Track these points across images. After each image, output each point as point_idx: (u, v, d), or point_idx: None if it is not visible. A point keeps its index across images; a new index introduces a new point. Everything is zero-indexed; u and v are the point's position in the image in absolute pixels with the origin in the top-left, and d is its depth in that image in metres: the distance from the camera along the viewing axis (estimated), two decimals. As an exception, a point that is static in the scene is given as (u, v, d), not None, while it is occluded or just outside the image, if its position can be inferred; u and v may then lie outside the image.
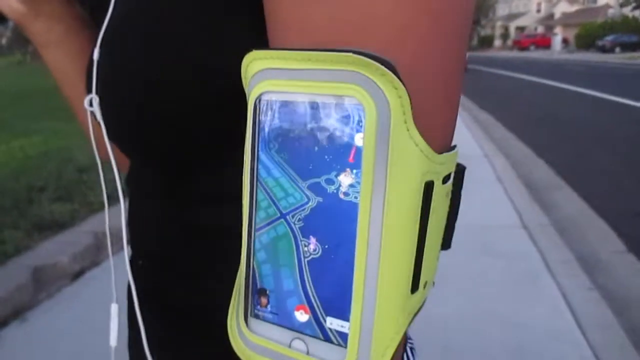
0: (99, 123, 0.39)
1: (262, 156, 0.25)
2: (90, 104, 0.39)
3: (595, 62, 26.48)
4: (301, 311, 0.25)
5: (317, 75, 0.23)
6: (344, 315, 0.24)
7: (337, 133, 0.23)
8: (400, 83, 0.22)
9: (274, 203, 0.25)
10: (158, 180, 0.40)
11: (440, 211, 0.26)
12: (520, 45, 54.43)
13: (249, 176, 0.26)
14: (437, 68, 0.26)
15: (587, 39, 44.21)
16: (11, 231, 2.73)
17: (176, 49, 0.32)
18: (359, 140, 0.22)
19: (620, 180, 4.79)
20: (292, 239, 0.25)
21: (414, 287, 0.25)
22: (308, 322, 0.25)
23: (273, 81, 0.24)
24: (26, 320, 2.23)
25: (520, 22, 69.16)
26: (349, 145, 0.23)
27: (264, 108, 0.25)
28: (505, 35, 68.46)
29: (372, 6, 0.24)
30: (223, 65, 0.30)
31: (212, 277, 0.38)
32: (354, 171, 0.23)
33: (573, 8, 63.76)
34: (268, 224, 0.26)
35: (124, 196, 0.42)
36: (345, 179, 0.23)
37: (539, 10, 68.91)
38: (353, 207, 0.23)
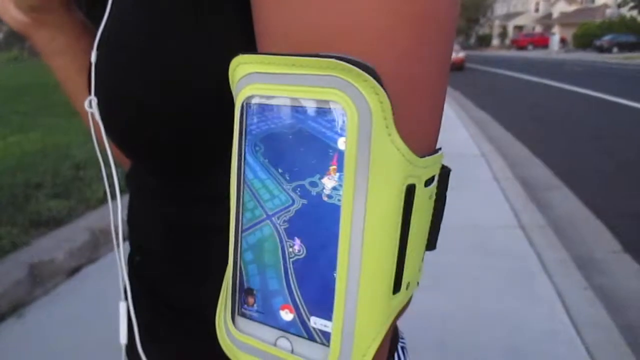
0: (99, 124, 0.39)
1: (249, 158, 0.26)
2: (90, 105, 0.39)
3: (592, 61, 26.52)
4: (286, 310, 0.26)
5: (300, 80, 0.23)
6: (327, 315, 0.24)
7: (321, 137, 0.23)
8: (382, 88, 0.22)
9: (260, 204, 0.26)
10: (156, 180, 0.41)
11: (423, 213, 0.26)
12: (518, 45, 54.46)
13: (237, 178, 0.27)
14: (420, 74, 0.26)
15: (585, 38, 44.27)
16: (8, 227, 2.72)
17: (172, 52, 0.32)
18: (341, 144, 0.23)
19: (617, 181, 4.80)
20: (278, 240, 0.26)
21: (396, 288, 0.25)
22: (293, 321, 0.26)
23: (258, 85, 0.25)
24: (23, 316, 2.23)
25: (518, 21, 69.20)
26: (332, 149, 0.23)
27: (251, 111, 0.26)
28: (503, 35, 68.50)
29: (355, 12, 0.24)
30: (218, 67, 0.31)
31: (208, 275, 0.39)
32: (337, 174, 0.23)
33: (571, 8, 63.81)
34: (254, 225, 0.26)
35: (122, 194, 0.42)
36: (329, 182, 0.24)
37: (537, 10, 68.96)
38: (336, 210, 0.23)
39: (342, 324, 0.24)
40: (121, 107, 0.36)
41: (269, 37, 0.27)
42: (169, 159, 0.36)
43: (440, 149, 0.28)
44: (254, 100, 0.25)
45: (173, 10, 0.32)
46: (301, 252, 0.25)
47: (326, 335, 0.24)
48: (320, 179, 0.24)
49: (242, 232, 0.27)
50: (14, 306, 2.25)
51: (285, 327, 0.26)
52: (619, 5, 46.93)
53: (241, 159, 0.26)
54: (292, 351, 0.26)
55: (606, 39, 38.46)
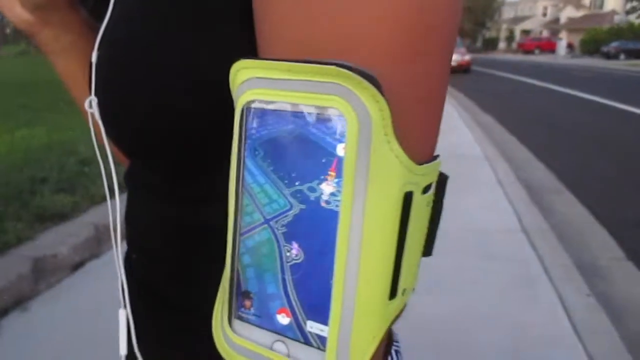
0: (99, 124, 0.39)
1: (248, 162, 0.26)
2: (90, 105, 0.39)
3: (599, 68, 26.42)
4: (283, 314, 0.26)
5: (300, 86, 0.24)
6: (323, 319, 0.24)
7: (320, 143, 0.24)
8: (382, 96, 0.22)
9: (259, 208, 0.26)
10: (156, 179, 0.41)
11: (420, 220, 0.27)
12: (524, 49, 54.34)
13: (235, 181, 0.27)
14: (420, 82, 0.26)
15: (592, 44, 44.10)
16: (13, 221, 2.74)
17: (174, 54, 0.32)
18: (340, 150, 0.23)
19: (621, 188, 4.79)
20: (276, 244, 0.26)
21: (392, 294, 0.25)
22: (289, 325, 0.26)
23: (259, 90, 0.25)
24: (27, 310, 2.24)
25: (525, 25, 68.99)
26: (331, 155, 0.23)
27: (251, 116, 0.26)
28: (510, 38, 68.31)
29: (356, 21, 0.24)
30: (220, 70, 0.31)
31: (205, 275, 0.39)
32: (336, 180, 0.23)
33: (579, 13, 63.59)
34: (252, 229, 0.27)
35: (122, 193, 0.42)
36: (327, 188, 0.24)
37: (545, 14, 68.74)
38: (334, 215, 0.24)
39: (339, 328, 0.24)
40: (124, 108, 0.36)
41: (269, 42, 0.27)
42: (170, 159, 0.36)
43: (437, 156, 0.28)
44: (255, 105, 0.25)
45: (176, 12, 0.32)
46: (299, 257, 0.25)
47: (322, 340, 0.25)
48: (319, 184, 0.24)
49: (240, 236, 0.27)
50: (18, 300, 2.26)
51: (281, 331, 0.26)
52: (627, 12, 46.76)
53: (240, 163, 0.27)
54: (288, 355, 0.26)
55: (613, 45, 38.32)
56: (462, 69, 20.74)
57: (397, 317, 0.28)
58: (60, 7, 0.48)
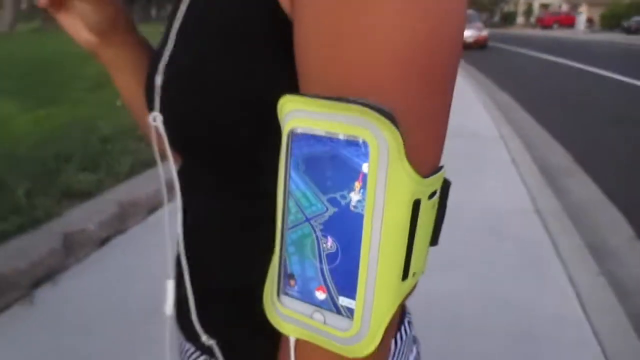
0: (158, 133, 0.47)
1: (293, 174, 0.33)
2: (155, 120, 0.47)
3: (620, 43, 25.87)
4: (320, 291, 0.33)
5: (334, 117, 0.30)
6: (351, 295, 0.32)
7: (349, 162, 0.31)
8: (396, 128, 0.29)
9: (301, 210, 0.33)
10: (208, 179, 0.48)
11: (427, 219, 0.33)
12: (543, 24, 53.23)
13: (283, 188, 0.34)
14: (426, 114, 0.33)
15: (613, 19, 43.09)
16: (41, 198, 2.85)
17: (226, 83, 0.40)
18: (365, 168, 0.30)
19: (635, 167, 4.79)
20: (315, 238, 0.33)
21: (404, 276, 0.33)
22: (325, 299, 0.33)
23: (301, 120, 0.32)
24: (57, 283, 2.37)
25: (544, -1, 67.48)
26: (358, 171, 0.31)
27: (296, 138, 0.33)
28: (528, 13, 66.95)
29: (375, 63, 0.31)
30: (262, 98, 0.39)
31: (249, 258, 0.46)
32: (361, 190, 0.31)
33: (600, -14, 62.00)
34: (296, 225, 0.34)
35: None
36: (355, 196, 0.31)
37: (564, -12, 67.11)
38: (360, 217, 0.31)
39: (363, 302, 0.32)
40: (185, 124, 0.44)
41: (308, 78, 0.34)
42: (222, 163, 0.44)
43: (442, 167, 0.35)
44: (298, 130, 0.32)
45: (228, 47, 0.39)
46: (333, 248, 0.32)
47: (350, 311, 0.32)
48: (348, 193, 0.31)
49: (286, 230, 0.34)
50: (49, 273, 2.38)
51: (319, 304, 0.34)
52: (650, -15, 45.46)
53: (287, 174, 0.34)
54: (324, 322, 0.33)
55: (635, 20, 37.39)
56: (479, 45, 20.46)
57: (410, 293, 0.36)
58: (120, 32, 0.56)
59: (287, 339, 0.36)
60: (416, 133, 0.32)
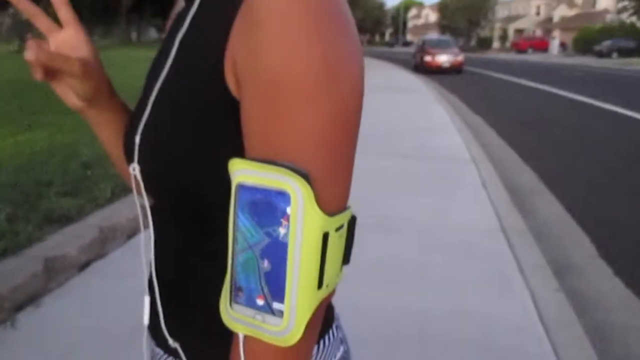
0: (137, 181, 0.59)
1: (240, 214, 0.45)
2: (134, 170, 0.59)
3: (591, 66, 26.67)
4: (260, 299, 0.45)
5: (267, 175, 0.43)
6: (282, 300, 0.44)
7: (278, 206, 0.43)
8: (308, 184, 0.42)
9: (246, 240, 0.45)
10: (174, 219, 0.61)
11: (335, 246, 0.45)
12: (518, 48, 54.62)
13: (232, 225, 0.46)
14: (333, 173, 0.46)
15: (585, 43, 44.42)
16: (23, 224, 2.92)
17: (185, 146, 0.53)
18: (289, 210, 0.43)
19: (599, 187, 5.00)
20: (255, 260, 0.45)
21: (320, 286, 0.45)
22: (264, 305, 0.45)
23: (245, 176, 0.44)
24: (40, 306, 2.43)
25: (519, 24, 69.34)
26: (284, 212, 0.43)
27: (241, 189, 0.45)
28: (504, 37, 68.65)
29: (297, 143, 0.44)
30: (214, 160, 0.52)
31: (212, 280, 0.58)
32: (286, 226, 0.43)
33: (572, 12, 63.94)
34: (242, 251, 0.46)
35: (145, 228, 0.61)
36: (282, 230, 0.43)
37: (538, 13, 69.08)
38: (286, 245, 0.43)
39: (289, 305, 0.44)
40: (154, 175, 0.57)
41: (251, 144, 0.47)
42: (185, 208, 0.57)
43: (348, 207, 0.48)
44: (243, 183, 0.45)
45: (188, 117, 0.52)
46: (268, 267, 0.44)
47: (281, 312, 0.45)
48: (278, 227, 0.43)
49: (235, 255, 0.46)
50: (31, 297, 2.44)
51: (259, 308, 0.45)
52: (619, 11, 47.06)
53: (235, 215, 0.46)
54: (263, 321, 0.45)
55: (606, 44, 38.61)
56: (455, 69, 20.97)
57: (329, 297, 0.49)
58: (103, 97, 0.69)
59: (237, 335, 0.49)
60: (325, 186, 0.45)
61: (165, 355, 0.65)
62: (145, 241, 0.67)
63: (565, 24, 60.13)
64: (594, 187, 5.03)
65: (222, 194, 0.50)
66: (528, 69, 25.01)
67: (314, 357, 0.60)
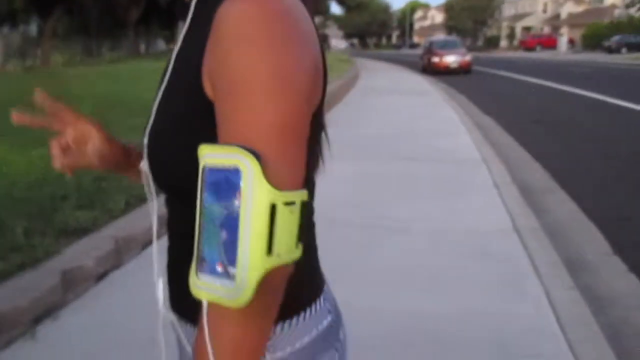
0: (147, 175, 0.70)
1: (205, 194, 0.52)
2: (144, 166, 0.70)
3: (601, 62, 26.47)
4: (219, 267, 0.50)
5: (226, 155, 0.50)
6: (235, 264, 0.49)
7: (233, 181, 0.49)
8: (258, 161, 0.49)
9: (210, 216, 0.51)
10: (178, 204, 0.69)
11: (285, 218, 0.50)
12: (526, 46, 54.36)
13: (199, 202, 0.52)
14: (282, 157, 0.53)
15: (593, 39, 44.13)
16: (40, 237, 2.96)
17: (177, 150, 0.62)
18: (242, 184, 0.49)
19: (612, 184, 4.97)
20: (217, 232, 0.50)
21: (269, 253, 0.49)
22: (223, 272, 0.50)
23: (209, 159, 0.51)
24: (58, 318, 2.47)
25: (526, 22, 69.04)
26: (238, 186, 0.49)
27: (206, 170, 0.51)
28: (511, 36, 68.34)
29: (252, 132, 0.53)
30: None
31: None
32: (240, 198, 0.49)
33: (579, 8, 63.56)
34: (206, 226, 0.52)
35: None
36: (236, 202, 0.49)
37: (545, 11, 68.76)
38: (239, 216, 0.49)
39: (241, 268, 0.49)
40: (156, 172, 0.67)
41: (221, 134, 0.55)
42: (178, 195, 0.67)
43: (304, 191, 0.53)
44: (207, 165, 0.51)
45: (178, 126, 0.63)
46: (225, 237, 0.50)
47: (235, 275, 0.49)
48: (234, 200, 0.49)
49: (201, 230, 0.52)
50: (49, 309, 2.48)
51: (219, 275, 0.51)
52: (627, 6, 46.69)
53: (202, 193, 0.52)
54: (222, 285, 0.50)
55: (615, 39, 38.34)
56: (463, 70, 20.90)
57: (286, 269, 0.53)
58: (121, 165, 0.83)
59: (202, 302, 0.54)
60: (275, 165, 0.51)
61: (189, 325, 0.70)
62: (158, 249, 0.73)
63: (573, 21, 59.78)
64: (606, 183, 4.99)
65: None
66: (537, 66, 24.87)
67: (299, 323, 0.67)
